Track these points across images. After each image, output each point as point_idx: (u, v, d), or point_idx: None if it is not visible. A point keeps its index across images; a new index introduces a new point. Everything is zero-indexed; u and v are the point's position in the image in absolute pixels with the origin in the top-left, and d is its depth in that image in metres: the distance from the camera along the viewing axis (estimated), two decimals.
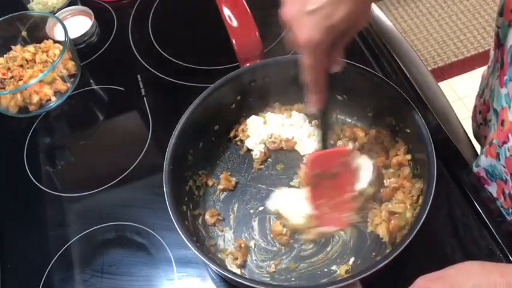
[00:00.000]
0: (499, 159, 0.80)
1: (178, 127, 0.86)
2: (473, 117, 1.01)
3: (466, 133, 0.98)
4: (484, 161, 0.85)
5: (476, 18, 2.58)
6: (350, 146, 0.91)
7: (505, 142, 0.77)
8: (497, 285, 0.57)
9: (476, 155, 0.94)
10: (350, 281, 0.69)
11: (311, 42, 0.60)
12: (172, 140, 0.85)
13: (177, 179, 0.84)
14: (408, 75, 1.01)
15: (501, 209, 0.86)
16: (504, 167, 0.80)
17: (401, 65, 1.02)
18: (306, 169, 0.82)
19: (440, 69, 2.41)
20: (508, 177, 0.80)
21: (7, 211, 0.98)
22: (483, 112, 0.92)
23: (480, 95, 0.96)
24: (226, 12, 0.77)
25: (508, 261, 0.79)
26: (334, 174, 0.79)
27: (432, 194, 0.73)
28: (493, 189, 0.87)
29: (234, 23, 0.71)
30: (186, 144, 0.88)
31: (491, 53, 0.88)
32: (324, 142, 0.80)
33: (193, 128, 0.89)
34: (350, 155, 0.81)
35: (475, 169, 0.90)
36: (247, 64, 0.92)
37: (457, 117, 1.00)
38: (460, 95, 2.25)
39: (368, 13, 0.64)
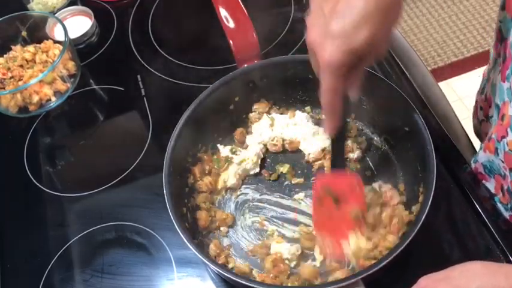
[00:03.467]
0: (498, 154, 0.80)
1: (176, 130, 0.86)
2: (474, 114, 1.01)
3: (466, 133, 0.98)
4: (483, 156, 0.85)
5: (476, 18, 2.58)
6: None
7: (503, 136, 0.77)
8: (500, 287, 0.57)
9: (476, 154, 0.94)
10: (352, 280, 0.69)
11: (332, 64, 0.62)
12: (171, 143, 0.85)
13: (177, 181, 0.84)
14: (408, 75, 1.01)
15: (499, 204, 0.85)
16: (503, 162, 0.80)
17: (401, 65, 1.02)
18: (315, 186, 0.81)
19: (440, 69, 2.41)
20: (507, 172, 0.80)
21: (7, 211, 0.98)
22: (485, 108, 0.92)
23: (481, 91, 0.96)
24: (223, 13, 0.76)
25: (507, 260, 0.79)
26: (339, 199, 0.78)
27: (432, 193, 0.73)
28: (491, 185, 0.87)
29: (231, 24, 0.71)
30: (185, 146, 0.88)
31: (492, 50, 0.88)
32: (334, 165, 0.80)
33: (192, 130, 0.88)
34: (358, 184, 0.79)
35: (473, 165, 0.90)
36: (245, 65, 0.92)
37: (457, 117, 1.00)
38: (460, 95, 2.25)
39: (389, 39, 0.65)
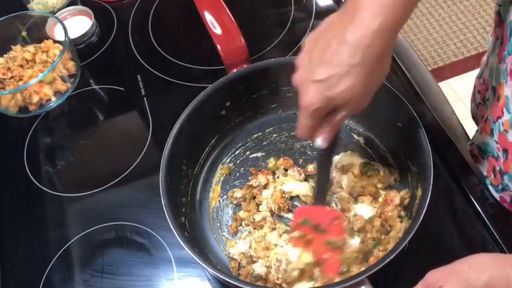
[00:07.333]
0: (493, 135, 0.81)
1: (169, 140, 0.85)
2: (472, 99, 1.01)
3: (466, 133, 0.98)
4: (478, 138, 0.87)
5: (476, 18, 2.58)
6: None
7: (499, 117, 0.78)
8: (509, 278, 0.58)
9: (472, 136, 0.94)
10: (358, 279, 0.69)
11: (309, 106, 0.66)
12: (165, 152, 0.84)
13: (174, 190, 0.84)
14: (408, 75, 1.01)
15: (490, 186, 0.86)
16: (497, 142, 0.81)
17: (401, 65, 1.02)
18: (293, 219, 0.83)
19: (440, 69, 2.41)
20: (500, 154, 0.81)
21: (7, 211, 0.98)
22: (482, 91, 0.93)
23: (479, 76, 0.97)
24: (208, 17, 0.75)
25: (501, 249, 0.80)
26: (322, 230, 0.79)
27: (429, 192, 0.74)
28: (484, 167, 0.88)
29: (218, 30, 0.70)
30: (180, 155, 0.87)
31: (491, 38, 0.89)
32: (316, 199, 0.82)
33: (185, 139, 0.88)
34: (340, 219, 0.80)
35: (468, 147, 0.91)
36: (234, 70, 0.91)
37: (457, 117, 1.00)
38: (460, 95, 2.25)
39: (369, 96, 0.68)
